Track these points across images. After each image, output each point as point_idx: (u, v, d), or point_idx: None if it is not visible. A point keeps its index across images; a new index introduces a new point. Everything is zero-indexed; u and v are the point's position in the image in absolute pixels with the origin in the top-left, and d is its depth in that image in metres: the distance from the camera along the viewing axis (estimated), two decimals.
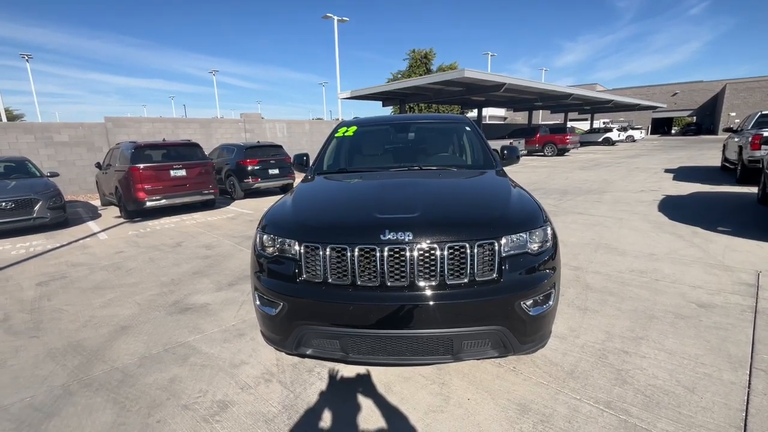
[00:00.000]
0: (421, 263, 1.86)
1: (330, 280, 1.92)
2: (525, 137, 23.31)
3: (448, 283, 1.86)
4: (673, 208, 6.79)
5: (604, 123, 42.64)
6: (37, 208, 7.11)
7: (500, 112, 56.36)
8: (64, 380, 2.52)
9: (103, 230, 7.41)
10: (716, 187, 8.85)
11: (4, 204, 6.76)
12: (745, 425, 1.87)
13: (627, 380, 2.24)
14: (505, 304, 1.85)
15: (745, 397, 2.06)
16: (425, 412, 2.06)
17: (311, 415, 2.08)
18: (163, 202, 8.03)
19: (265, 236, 2.17)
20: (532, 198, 2.47)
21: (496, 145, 16.24)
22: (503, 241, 1.93)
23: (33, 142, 11.62)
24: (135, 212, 8.15)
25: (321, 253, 1.93)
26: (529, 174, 13.48)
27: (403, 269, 1.86)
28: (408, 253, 1.85)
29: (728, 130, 10.73)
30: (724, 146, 12.04)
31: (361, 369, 2.47)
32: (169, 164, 8.21)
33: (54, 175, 8.40)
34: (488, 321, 1.85)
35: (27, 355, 2.86)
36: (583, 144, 31.94)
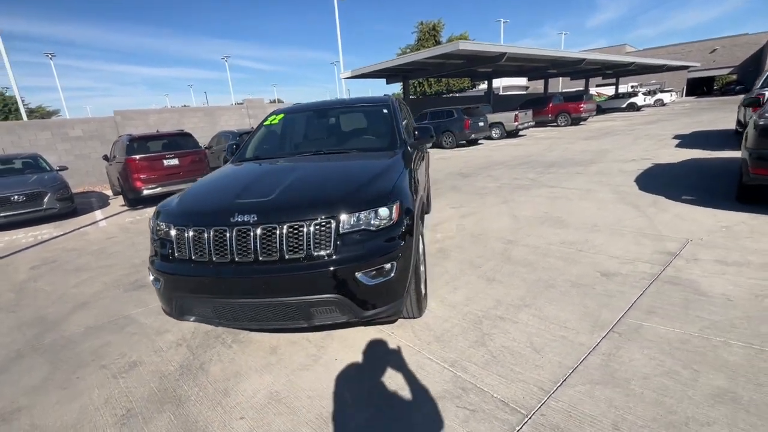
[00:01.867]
0: (264, 241, 2.11)
1: (193, 257, 2.21)
2: (534, 108, 22.50)
3: (287, 257, 2.10)
4: (651, 177, 6.62)
5: (632, 87, 40.19)
6: (46, 199, 7.83)
7: (521, 81, 54.15)
8: (20, 346, 3.00)
9: (105, 218, 8.08)
10: (715, 153, 8.44)
11: (16, 197, 7.50)
12: (564, 380, 2.04)
13: (485, 343, 2.43)
14: (339, 276, 2.08)
15: (583, 357, 2.21)
16: (293, 370, 2.36)
17: (198, 372, 2.43)
18: (159, 190, 8.59)
19: (153, 222, 2.49)
20: (396, 179, 2.61)
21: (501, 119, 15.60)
22: (342, 218, 2.14)
23: (50, 138, 12.51)
24: (135, 200, 8.77)
25: (186, 234, 2.22)
26: (529, 147, 13.19)
27: (248, 247, 2.12)
28: (252, 233, 2.11)
29: (743, 90, 10.03)
30: (738, 108, 11.27)
31: (258, 335, 2.79)
32: (162, 154, 8.72)
33: (63, 168, 9.13)
34: (325, 290, 2.10)
35: (0, 327, 3.38)
36: (606, 111, 30.41)
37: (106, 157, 10.54)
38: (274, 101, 31.63)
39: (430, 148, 16.35)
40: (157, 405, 2.17)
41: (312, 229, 2.10)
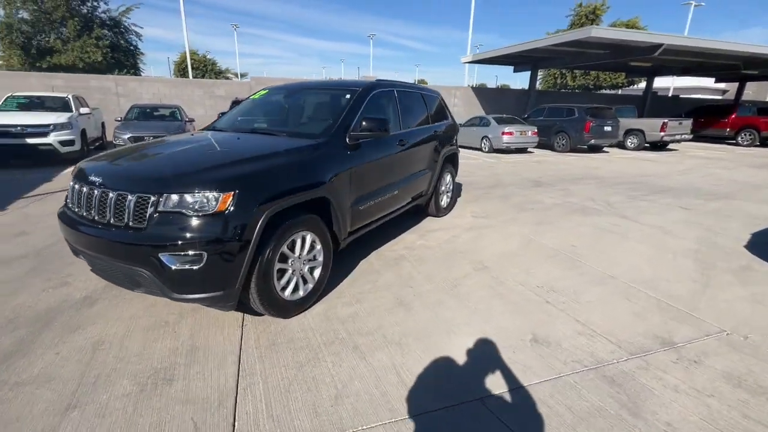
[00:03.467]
0: (100, 204, 2.22)
1: (69, 206, 2.48)
2: (708, 117, 17.60)
3: (112, 223, 2.18)
4: None
5: None
6: None
7: (718, 84, 42.49)
8: None
9: None
10: None
11: (146, 137, 9.55)
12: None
13: (318, 361, 2.14)
14: (144, 252, 2.07)
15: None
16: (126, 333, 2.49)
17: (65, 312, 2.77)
18: None
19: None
20: (263, 168, 2.43)
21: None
22: (162, 198, 2.09)
23: (201, 95, 15.40)
24: None
25: (72, 185, 2.50)
26: (659, 165, 10.53)
27: (91, 206, 2.27)
28: (94, 194, 2.25)
29: None
30: None
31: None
32: None
33: (191, 120, 11.17)
34: (135, 263, 2.12)
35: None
36: None
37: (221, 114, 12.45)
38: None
39: (537, 147, 14.49)
40: None
41: (133, 200, 2.13)
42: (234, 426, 1.75)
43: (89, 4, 18.86)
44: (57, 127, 9.09)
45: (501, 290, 3.09)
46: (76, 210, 2.41)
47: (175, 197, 2.10)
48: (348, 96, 3.40)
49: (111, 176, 2.29)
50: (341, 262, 3.57)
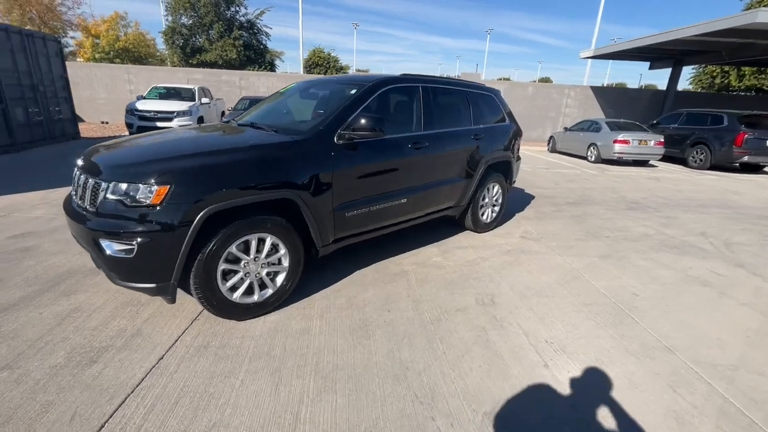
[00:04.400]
0: (80, 185, 2.38)
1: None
2: None
3: (81, 205, 2.31)
4: None
5: None
6: None
7: None
8: None
9: None
10: None
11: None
12: None
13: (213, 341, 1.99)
14: (90, 235, 2.14)
15: None
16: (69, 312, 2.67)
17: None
18: None
19: None
20: (216, 162, 2.31)
21: None
22: (109, 185, 2.13)
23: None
24: None
25: None
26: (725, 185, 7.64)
27: (75, 187, 2.46)
28: (76, 176, 2.43)
29: None
30: None
31: None
32: None
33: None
34: (87, 244, 2.23)
35: None
36: None
37: None
38: (503, 80, 29.84)
39: (664, 161, 11.82)
40: None
41: (91, 185, 2.23)
42: (102, 427, 1.69)
43: (232, 9, 21.99)
44: (179, 114, 10.74)
45: (491, 337, 2.49)
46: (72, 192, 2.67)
47: (118, 186, 2.13)
48: (353, 92, 3.11)
49: (88, 161, 2.46)
50: (335, 268, 3.35)
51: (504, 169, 4.54)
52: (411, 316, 2.68)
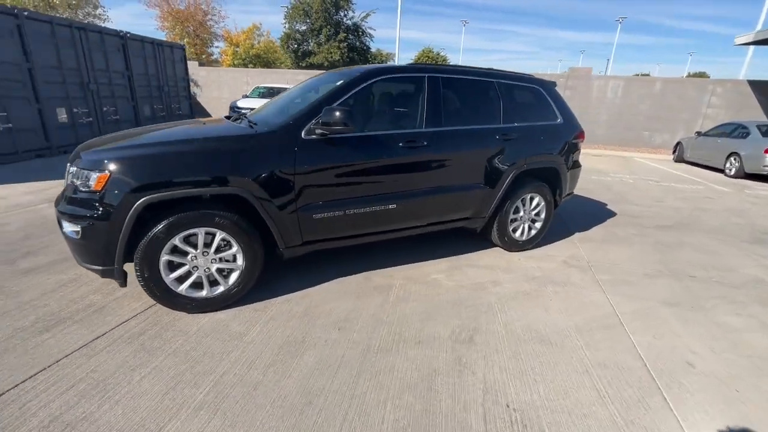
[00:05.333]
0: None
1: None
2: None
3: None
4: None
5: None
6: None
7: None
8: None
9: None
10: None
11: None
12: None
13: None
14: (56, 215, 2.33)
15: None
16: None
17: None
18: None
19: None
20: (156, 153, 2.31)
21: None
22: (73, 171, 2.27)
23: None
24: None
25: None
26: None
27: None
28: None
29: None
30: None
31: None
32: None
33: None
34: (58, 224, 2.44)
35: None
36: None
37: None
38: (641, 75, 25.43)
39: (698, 167, 8.45)
40: None
41: (67, 170, 2.42)
42: (2, 394, 1.79)
43: (341, 14, 23.34)
44: None
45: (437, 384, 1.99)
46: None
47: (78, 172, 2.26)
48: (339, 83, 2.84)
49: (78, 150, 2.67)
50: (321, 270, 3.15)
51: (550, 178, 3.74)
52: (358, 339, 2.33)
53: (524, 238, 3.75)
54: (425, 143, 2.93)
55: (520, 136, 3.40)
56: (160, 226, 2.24)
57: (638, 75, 28.50)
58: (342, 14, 23.41)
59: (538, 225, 3.80)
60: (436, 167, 3.03)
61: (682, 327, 2.62)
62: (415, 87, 3.04)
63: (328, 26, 22.69)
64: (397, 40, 19.97)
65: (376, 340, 2.33)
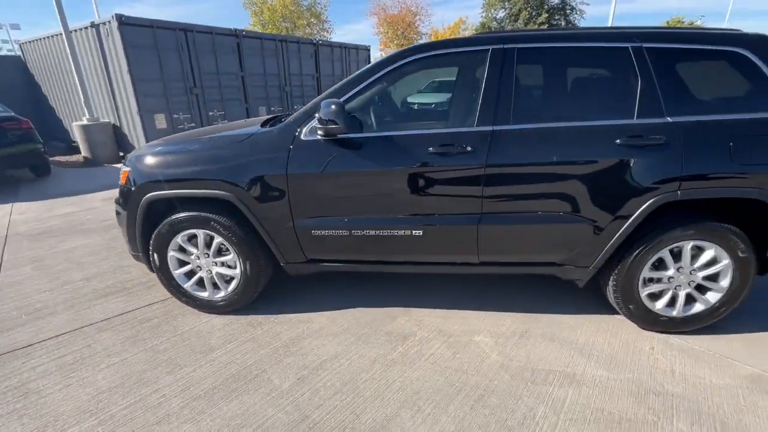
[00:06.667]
0: None
1: None
2: None
3: None
4: None
5: None
6: None
7: None
8: None
9: None
10: None
11: None
12: None
13: None
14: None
15: None
16: None
17: None
18: None
19: None
20: (165, 150, 2.35)
21: None
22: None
23: None
24: None
25: None
26: None
27: None
28: None
29: None
30: None
31: None
32: None
33: None
34: None
35: None
36: None
37: None
38: None
39: None
40: None
41: None
42: None
43: None
44: (436, 105, 11.49)
45: None
46: None
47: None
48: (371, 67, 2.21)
49: None
50: (345, 293, 2.72)
51: (747, 217, 2.03)
52: (303, 402, 1.79)
53: (673, 313, 2.19)
54: (469, 148, 1.99)
55: (671, 139, 1.92)
56: (164, 224, 2.30)
57: None
58: None
59: (710, 297, 2.15)
60: (488, 183, 2.04)
61: None
62: (471, 67, 2.11)
63: (528, 9, 20.52)
64: (611, 14, 15.98)
65: (325, 411, 1.74)
